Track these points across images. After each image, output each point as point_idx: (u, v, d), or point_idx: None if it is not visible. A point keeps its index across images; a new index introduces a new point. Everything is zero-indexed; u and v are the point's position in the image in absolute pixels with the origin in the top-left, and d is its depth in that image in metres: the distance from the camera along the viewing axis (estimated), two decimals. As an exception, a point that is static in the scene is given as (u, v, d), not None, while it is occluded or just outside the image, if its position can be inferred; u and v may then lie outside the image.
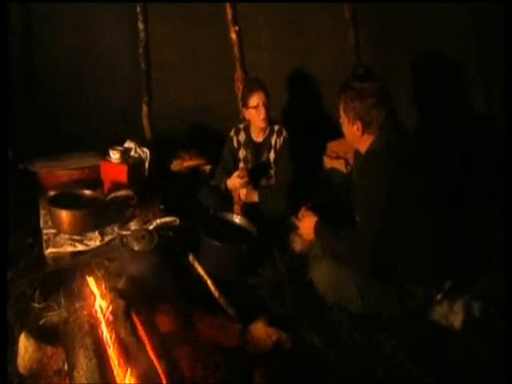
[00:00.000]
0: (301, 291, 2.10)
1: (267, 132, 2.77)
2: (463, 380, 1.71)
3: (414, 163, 1.89)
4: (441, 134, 3.09)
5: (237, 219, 2.52)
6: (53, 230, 2.33)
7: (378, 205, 1.80)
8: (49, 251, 2.20)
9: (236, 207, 2.62)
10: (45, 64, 3.19)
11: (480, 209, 2.52)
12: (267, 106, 2.62)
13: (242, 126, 2.85)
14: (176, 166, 3.27)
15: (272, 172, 2.81)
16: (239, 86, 3.17)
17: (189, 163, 3.27)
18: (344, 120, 1.93)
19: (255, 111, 2.63)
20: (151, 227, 2.34)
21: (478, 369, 1.73)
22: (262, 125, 2.70)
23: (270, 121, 2.71)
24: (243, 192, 2.63)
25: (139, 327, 1.52)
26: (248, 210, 2.62)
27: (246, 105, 2.67)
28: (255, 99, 2.61)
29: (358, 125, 1.86)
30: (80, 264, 2.14)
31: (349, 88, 1.86)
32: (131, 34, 3.28)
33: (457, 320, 1.89)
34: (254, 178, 2.72)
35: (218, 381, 1.54)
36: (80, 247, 2.24)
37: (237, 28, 3.12)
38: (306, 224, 2.06)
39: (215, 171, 2.96)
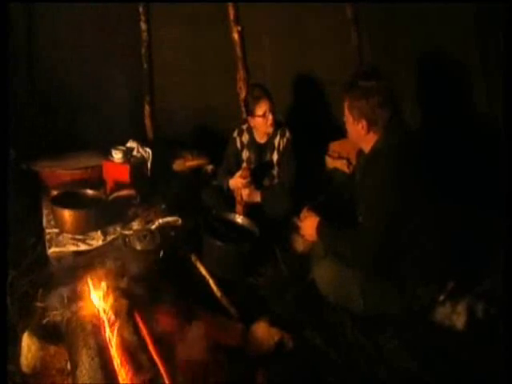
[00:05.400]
0: (303, 291, 2.10)
1: (271, 133, 2.77)
2: (466, 381, 1.71)
3: (417, 163, 1.88)
4: (442, 134, 3.08)
5: (239, 219, 2.52)
6: (55, 230, 2.33)
7: (381, 204, 1.80)
8: (51, 250, 2.21)
9: (238, 207, 2.62)
10: (47, 64, 3.20)
11: (483, 209, 2.51)
12: (273, 112, 2.63)
13: (245, 126, 2.85)
14: (178, 165, 3.27)
15: (275, 172, 2.81)
16: (241, 86, 3.17)
17: (191, 163, 3.28)
18: (348, 118, 1.92)
19: (262, 119, 2.63)
20: (153, 227, 2.34)
21: (481, 370, 1.72)
22: (270, 130, 2.70)
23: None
24: (245, 192, 2.63)
25: (141, 326, 1.52)
26: (250, 210, 2.62)
27: (252, 113, 2.66)
28: (262, 108, 2.61)
29: (363, 123, 1.86)
30: (82, 263, 2.14)
31: (354, 86, 1.85)
32: (134, 34, 3.29)
33: (460, 321, 1.88)
34: (257, 178, 2.72)
35: (220, 381, 1.54)
36: (82, 247, 2.25)
37: (239, 28, 3.12)
38: (308, 224, 2.06)
39: (218, 171, 2.97)
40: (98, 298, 1.59)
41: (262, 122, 2.65)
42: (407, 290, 1.87)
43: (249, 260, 2.33)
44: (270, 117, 2.62)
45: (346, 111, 1.92)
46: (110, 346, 1.44)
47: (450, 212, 2.12)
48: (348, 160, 3.07)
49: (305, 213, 2.12)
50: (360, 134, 1.90)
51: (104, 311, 1.54)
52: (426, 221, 1.87)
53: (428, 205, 1.87)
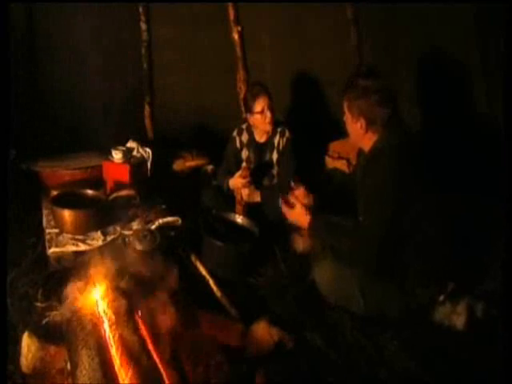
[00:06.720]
0: (303, 291, 2.10)
1: (270, 132, 2.77)
2: (465, 381, 1.71)
3: (417, 163, 1.89)
4: (443, 134, 3.08)
5: (239, 219, 2.52)
6: (55, 230, 2.33)
7: (381, 203, 1.80)
8: (52, 251, 2.21)
9: (238, 207, 2.62)
10: (48, 64, 3.20)
11: (483, 209, 2.51)
12: (272, 109, 2.63)
13: (244, 126, 2.85)
14: (178, 165, 3.28)
15: (274, 172, 2.81)
16: (241, 86, 3.18)
17: (191, 163, 3.28)
18: (348, 117, 1.93)
19: (261, 116, 2.63)
20: (153, 227, 2.34)
21: (481, 370, 1.72)
22: (268, 128, 2.70)
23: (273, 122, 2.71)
24: (245, 192, 2.63)
25: (141, 327, 1.52)
26: (250, 209, 2.62)
27: (250, 111, 2.66)
28: (260, 104, 2.61)
29: (362, 122, 1.86)
30: (82, 263, 2.14)
31: (353, 85, 1.86)
32: (134, 34, 3.29)
33: (459, 321, 1.88)
34: (257, 178, 2.72)
35: (220, 381, 1.54)
36: (82, 247, 2.24)
37: (239, 28, 3.13)
38: (296, 212, 2.03)
39: (218, 171, 2.97)
40: (97, 298, 1.59)
41: (260, 119, 2.64)
42: (407, 291, 1.87)
43: (249, 260, 2.32)
44: (269, 114, 2.62)
45: (346, 110, 1.93)
46: (109, 346, 1.44)
47: (450, 212, 2.12)
48: (348, 160, 3.07)
49: (295, 194, 2.09)
50: (359, 133, 1.90)
51: (104, 311, 1.54)
52: (426, 220, 1.87)
53: (428, 204, 1.87)
